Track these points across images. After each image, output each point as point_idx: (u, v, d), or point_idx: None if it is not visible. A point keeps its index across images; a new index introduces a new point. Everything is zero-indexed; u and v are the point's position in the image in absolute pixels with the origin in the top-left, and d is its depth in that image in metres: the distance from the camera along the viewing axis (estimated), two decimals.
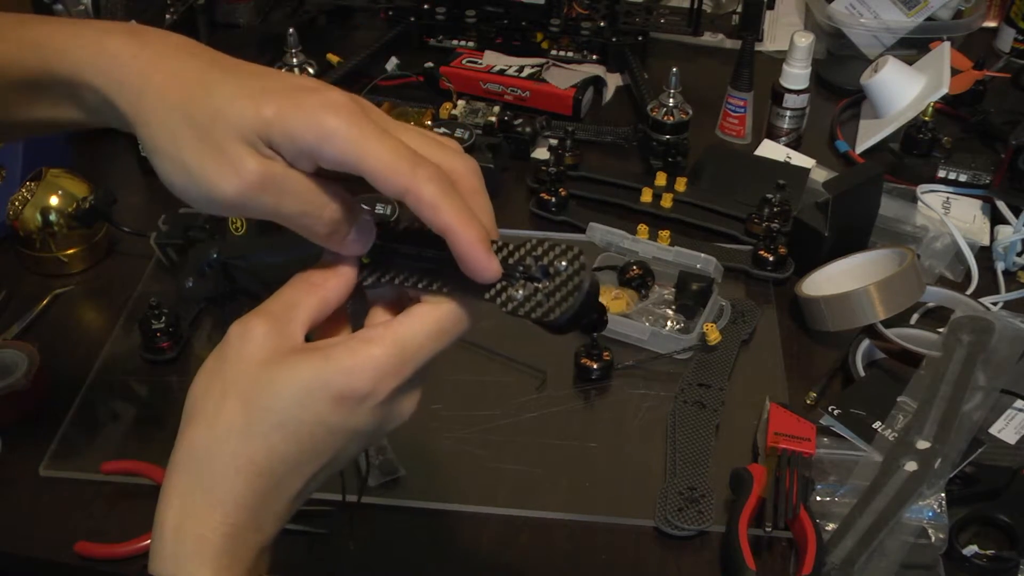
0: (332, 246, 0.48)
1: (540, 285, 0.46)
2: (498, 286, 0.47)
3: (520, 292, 0.46)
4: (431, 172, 0.44)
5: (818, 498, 0.77)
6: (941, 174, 1.09)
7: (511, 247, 0.47)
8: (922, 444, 0.78)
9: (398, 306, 0.49)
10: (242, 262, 0.55)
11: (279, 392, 0.45)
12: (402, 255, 0.49)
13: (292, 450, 0.46)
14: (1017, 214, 1.01)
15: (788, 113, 1.16)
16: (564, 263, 0.46)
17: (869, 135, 1.17)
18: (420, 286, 0.48)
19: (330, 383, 0.45)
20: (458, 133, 1.09)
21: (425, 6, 1.30)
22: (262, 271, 0.56)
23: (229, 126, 0.44)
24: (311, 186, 0.45)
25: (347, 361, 0.45)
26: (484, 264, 0.45)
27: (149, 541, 0.73)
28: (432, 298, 0.48)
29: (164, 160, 0.46)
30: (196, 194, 0.46)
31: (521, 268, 0.46)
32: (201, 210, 0.47)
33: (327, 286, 0.48)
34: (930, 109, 1.12)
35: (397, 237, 0.50)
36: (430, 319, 0.47)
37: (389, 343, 0.46)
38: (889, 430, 0.81)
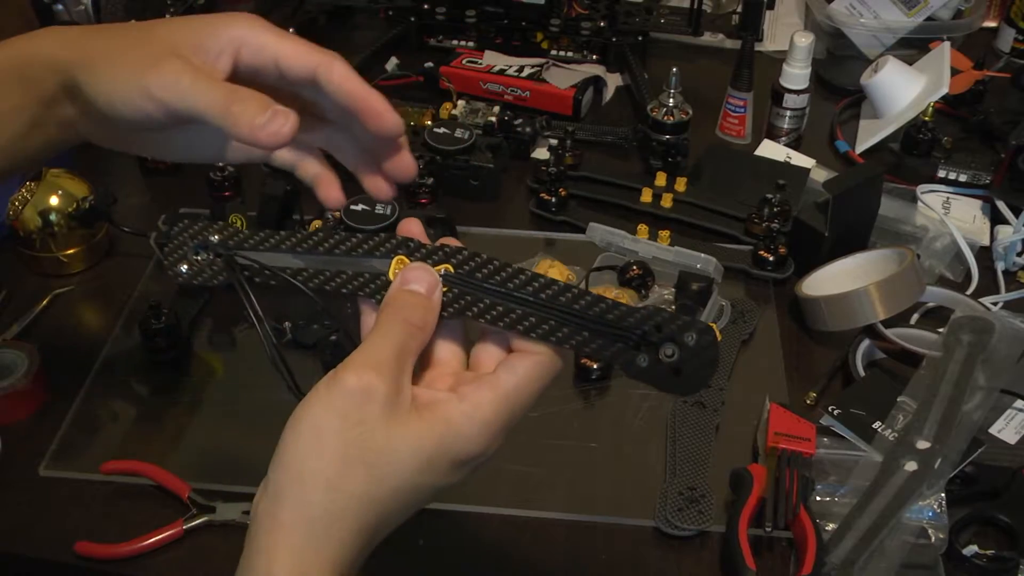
0: (243, 123, 0.50)
1: (664, 356, 0.48)
2: (617, 346, 0.48)
3: (643, 361, 0.48)
4: (337, 55, 0.53)
5: (818, 498, 0.77)
6: (941, 174, 1.09)
7: (622, 309, 0.48)
8: (922, 444, 0.78)
9: (462, 339, 0.51)
10: (255, 264, 0.51)
11: (403, 460, 0.46)
12: (482, 290, 0.49)
13: (401, 509, 0.48)
14: (1017, 214, 1.01)
15: (788, 113, 1.16)
16: (694, 335, 0.47)
17: (869, 135, 1.17)
18: (521, 328, 0.48)
19: (451, 451, 0.46)
20: (458, 133, 1.08)
21: (425, 6, 1.30)
22: (286, 285, 0.52)
23: (162, 42, 0.52)
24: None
25: (467, 428, 0.46)
26: (392, 119, 0.52)
27: (149, 541, 0.74)
28: (530, 347, 0.48)
29: (105, 70, 0.53)
30: (128, 88, 0.52)
31: (638, 332, 0.48)
32: (132, 123, 0.53)
33: (427, 328, 0.49)
34: (930, 109, 1.12)
35: (476, 269, 0.49)
36: (533, 374, 0.48)
37: (501, 405, 0.47)
38: (889, 430, 0.81)
